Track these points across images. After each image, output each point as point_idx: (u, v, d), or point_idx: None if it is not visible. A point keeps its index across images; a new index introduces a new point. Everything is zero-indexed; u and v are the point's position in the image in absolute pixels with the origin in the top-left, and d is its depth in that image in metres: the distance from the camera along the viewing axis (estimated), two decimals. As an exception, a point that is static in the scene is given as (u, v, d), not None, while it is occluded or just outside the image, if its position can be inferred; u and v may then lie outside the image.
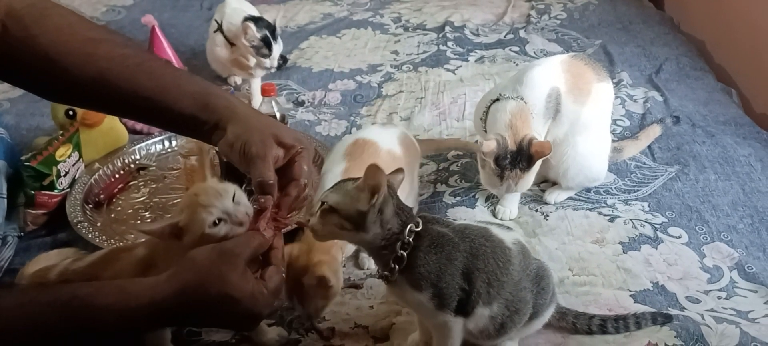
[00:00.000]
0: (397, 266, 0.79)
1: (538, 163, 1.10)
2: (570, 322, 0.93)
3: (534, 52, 1.84)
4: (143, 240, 0.93)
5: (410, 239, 0.79)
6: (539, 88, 1.11)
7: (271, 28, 1.53)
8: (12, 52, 0.82)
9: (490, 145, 1.08)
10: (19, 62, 0.83)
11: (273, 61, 1.54)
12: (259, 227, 0.78)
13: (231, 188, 0.81)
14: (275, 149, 0.83)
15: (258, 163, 0.81)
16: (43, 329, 0.70)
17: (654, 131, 1.38)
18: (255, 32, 1.49)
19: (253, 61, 1.52)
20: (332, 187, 0.80)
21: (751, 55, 1.70)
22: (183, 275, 0.73)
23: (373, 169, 0.75)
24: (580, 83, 1.15)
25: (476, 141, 1.34)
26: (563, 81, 1.14)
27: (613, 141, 1.28)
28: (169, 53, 1.52)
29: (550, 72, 1.14)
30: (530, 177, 1.11)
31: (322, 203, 0.78)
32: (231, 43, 1.56)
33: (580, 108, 1.15)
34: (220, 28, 1.56)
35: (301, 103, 1.64)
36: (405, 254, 0.78)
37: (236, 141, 0.82)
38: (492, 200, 1.23)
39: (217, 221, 0.78)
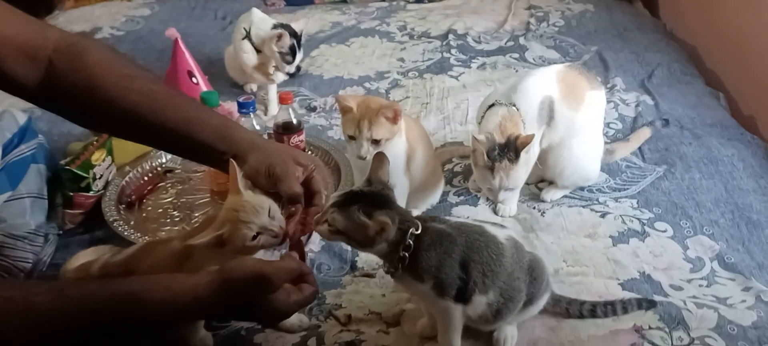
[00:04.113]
0: (400, 265, 0.88)
1: (526, 159, 1.18)
2: (563, 308, 1.02)
3: (533, 59, 1.94)
4: (177, 235, 1.03)
5: (411, 242, 0.87)
6: (532, 98, 1.21)
7: (297, 38, 1.64)
8: (57, 84, 0.93)
9: (481, 137, 1.18)
10: (63, 93, 0.94)
11: (292, 68, 1.65)
12: (288, 230, 0.89)
13: (266, 202, 0.90)
14: (296, 168, 0.95)
15: (285, 180, 0.93)
16: (101, 319, 0.79)
17: (644, 134, 1.48)
18: (287, 39, 1.61)
19: (273, 67, 1.63)
20: (340, 207, 0.86)
21: (739, 60, 1.78)
22: (222, 286, 0.82)
23: (381, 219, 0.84)
24: (575, 91, 1.24)
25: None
26: (557, 90, 1.23)
27: (605, 143, 1.37)
28: (192, 64, 1.62)
29: (544, 82, 1.24)
30: (520, 171, 1.19)
31: (331, 223, 0.86)
32: (257, 50, 1.66)
33: (574, 114, 1.25)
34: (248, 35, 1.66)
35: (314, 109, 1.74)
36: (407, 255, 0.87)
37: (260, 166, 0.94)
38: (492, 199, 1.33)
39: (256, 235, 0.88)
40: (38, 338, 0.76)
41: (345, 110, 1.19)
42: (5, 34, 0.89)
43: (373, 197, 0.87)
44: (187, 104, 0.99)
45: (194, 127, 0.96)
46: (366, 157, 1.17)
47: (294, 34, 1.65)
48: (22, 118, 1.35)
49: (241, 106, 1.31)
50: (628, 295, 1.06)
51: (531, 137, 1.16)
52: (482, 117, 1.25)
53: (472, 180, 1.35)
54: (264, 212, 0.88)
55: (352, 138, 1.19)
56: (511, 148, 1.16)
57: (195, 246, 0.92)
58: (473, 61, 1.95)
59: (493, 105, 1.23)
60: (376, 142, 1.16)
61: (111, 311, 0.80)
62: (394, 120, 1.16)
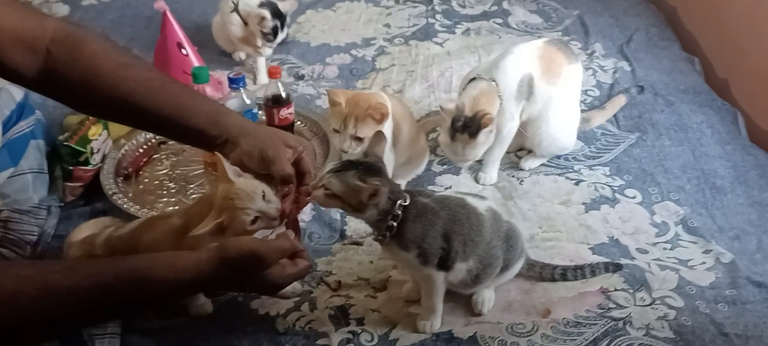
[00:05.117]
0: (388, 233, 0.96)
1: (486, 139, 1.23)
2: (537, 272, 1.11)
3: (516, 24, 1.98)
4: (176, 209, 1.09)
5: (399, 212, 0.95)
6: (512, 75, 1.27)
7: (282, 18, 1.67)
8: (55, 74, 0.97)
9: (450, 105, 1.24)
10: (62, 82, 0.98)
11: (274, 44, 1.71)
12: (285, 208, 0.96)
13: (259, 187, 0.95)
14: (286, 151, 1.01)
15: (277, 162, 0.99)
16: (111, 295, 0.86)
17: (620, 101, 1.53)
18: (269, 22, 1.64)
19: (260, 41, 1.68)
20: (337, 171, 0.93)
21: (715, 22, 1.83)
22: (221, 262, 0.89)
23: (374, 183, 0.90)
24: (553, 67, 1.30)
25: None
26: (537, 66, 1.29)
27: (582, 111, 1.44)
28: (181, 35, 1.64)
29: (524, 60, 1.29)
30: (478, 149, 1.24)
31: (327, 186, 0.93)
32: (244, 23, 1.70)
33: (552, 88, 1.30)
34: (236, 8, 1.69)
35: (301, 78, 1.78)
36: (395, 224, 0.95)
37: (253, 150, 1.00)
38: (474, 167, 1.39)
39: (253, 220, 0.94)
40: (54, 314, 0.83)
41: (334, 103, 1.23)
42: (3, 26, 0.92)
43: (367, 166, 0.95)
44: (180, 91, 1.04)
45: (187, 113, 1.01)
46: (348, 152, 1.22)
47: (278, 14, 1.67)
48: (19, 95, 1.38)
49: (231, 81, 1.36)
50: (597, 259, 1.15)
51: (492, 119, 1.21)
52: (463, 89, 1.31)
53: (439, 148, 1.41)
54: (258, 196, 0.94)
55: (336, 131, 1.24)
56: (474, 124, 1.21)
57: (192, 223, 0.98)
58: (458, 26, 1.98)
59: (474, 78, 1.28)
60: (359, 139, 1.21)
61: (121, 288, 0.87)
62: (380, 121, 1.20)
